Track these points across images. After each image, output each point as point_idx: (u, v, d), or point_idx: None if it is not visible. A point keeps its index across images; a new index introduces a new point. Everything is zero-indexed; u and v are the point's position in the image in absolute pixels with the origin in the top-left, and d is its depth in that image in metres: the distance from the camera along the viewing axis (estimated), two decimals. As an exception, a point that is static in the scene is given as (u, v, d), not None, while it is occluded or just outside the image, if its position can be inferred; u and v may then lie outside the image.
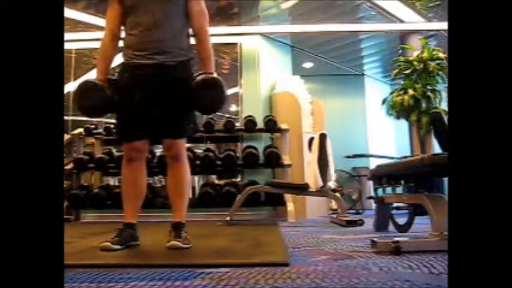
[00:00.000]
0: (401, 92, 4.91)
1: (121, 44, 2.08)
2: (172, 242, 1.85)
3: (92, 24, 4.90)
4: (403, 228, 2.66)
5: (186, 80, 1.96)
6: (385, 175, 2.50)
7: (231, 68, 5.29)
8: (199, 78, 1.96)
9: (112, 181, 5.06)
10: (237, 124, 4.75)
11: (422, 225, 2.72)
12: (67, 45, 4.96)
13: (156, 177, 5.18)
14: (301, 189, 3.79)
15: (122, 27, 2.05)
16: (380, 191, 2.69)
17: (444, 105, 4.77)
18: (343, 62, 6.53)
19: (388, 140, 7.13)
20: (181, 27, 2.04)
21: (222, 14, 4.91)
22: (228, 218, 3.56)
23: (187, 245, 1.88)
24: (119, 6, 2.00)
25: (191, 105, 1.99)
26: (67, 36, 4.72)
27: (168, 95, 1.94)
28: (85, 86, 2.03)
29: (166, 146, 2.04)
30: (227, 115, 5.23)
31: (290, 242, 2.20)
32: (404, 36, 5.46)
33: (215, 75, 2.01)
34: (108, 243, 1.83)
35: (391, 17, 5.02)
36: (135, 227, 2.01)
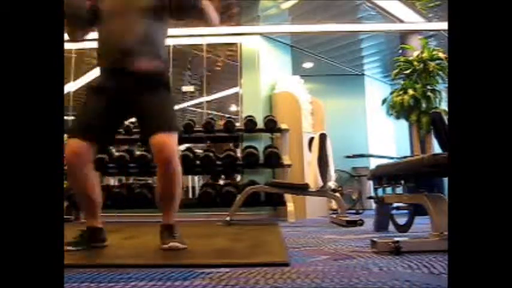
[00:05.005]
0: (401, 92, 4.91)
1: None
2: (171, 244, 1.82)
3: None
4: (403, 228, 2.66)
5: (160, 87, 1.95)
6: (385, 175, 2.50)
7: (231, 68, 5.30)
8: None
9: (112, 181, 5.06)
10: (237, 124, 4.75)
11: (422, 225, 2.72)
12: (67, 45, 4.96)
13: (156, 177, 5.17)
14: (301, 189, 3.79)
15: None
16: (380, 191, 2.68)
17: (444, 105, 4.78)
18: (343, 62, 6.53)
19: (388, 140, 7.13)
20: (159, 34, 2.01)
21: (222, 14, 4.91)
22: (228, 218, 3.56)
23: (184, 245, 1.86)
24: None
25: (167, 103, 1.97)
26: (67, 36, 4.72)
27: (143, 102, 1.92)
28: None
29: (158, 148, 1.84)
30: (227, 115, 5.24)
31: (290, 242, 2.20)
32: (404, 36, 5.46)
33: None
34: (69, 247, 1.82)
35: (391, 17, 5.03)
36: (96, 229, 1.96)
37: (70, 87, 5.11)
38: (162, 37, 2.04)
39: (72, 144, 1.87)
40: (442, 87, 4.87)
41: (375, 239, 1.83)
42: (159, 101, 1.93)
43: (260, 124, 4.66)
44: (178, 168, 1.89)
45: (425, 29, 5.35)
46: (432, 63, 4.79)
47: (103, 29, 2.00)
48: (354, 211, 5.28)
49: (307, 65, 6.50)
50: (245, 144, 4.75)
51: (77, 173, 1.87)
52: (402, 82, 5.07)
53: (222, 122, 4.75)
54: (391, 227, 2.77)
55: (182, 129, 4.38)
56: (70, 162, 1.85)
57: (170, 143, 1.86)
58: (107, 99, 1.93)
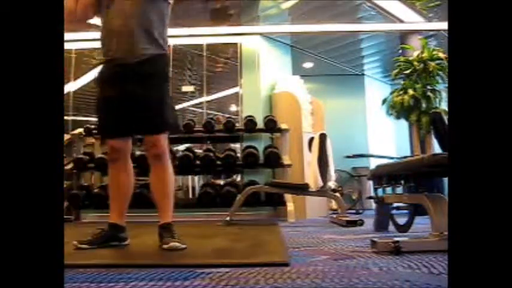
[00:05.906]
0: (401, 92, 4.91)
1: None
2: (172, 243, 1.84)
3: (92, 24, 4.90)
4: (403, 228, 2.66)
5: (159, 74, 2.00)
6: (385, 175, 2.50)
7: (231, 68, 5.30)
8: None
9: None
10: (237, 124, 4.75)
11: (422, 225, 2.72)
12: (67, 45, 4.96)
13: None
14: (301, 189, 3.79)
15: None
16: (380, 191, 2.68)
17: (444, 105, 4.78)
18: (343, 62, 6.53)
19: (388, 140, 7.13)
20: (156, 15, 2.00)
21: (222, 14, 4.91)
22: (228, 218, 3.56)
23: (184, 245, 1.86)
24: None
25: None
26: (67, 36, 4.71)
27: (143, 90, 1.94)
28: None
29: (149, 145, 2.00)
30: (227, 115, 5.24)
31: (290, 242, 2.20)
32: (404, 36, 5.46)
33: None
34: (75, 242, 1.88)
35: (391, 17, 5.03)
36: (119, 227, 2.01)
37: (70, 87, 5.11)
38: (160, 17, 2.02)
39: (113, 142, 2.01)
40: (442, 87, 4.87)
41: (375, 239, 1.83)
42: (155, 96, 1.97)
43: (260, 124, 4.65)
44: (169, 161, 2.01)
45: (425, 29, 5.35)
46: (432, 63, 4.79)
47: (104, 16, 2.02)
48: (354, 211, 5.27)
49: (307, 65, 6.49)
50: (245, 144, 4.75)
51: (120, 168, 2.02)
52: (402, 82, 5.07)
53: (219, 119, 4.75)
54: (391, 227, 2.77)
55: (182, 129, 4.38)
56: (113, 157, 2.02)
57: (161, 140, 1.97)
58: (116, 91, 1.96)
